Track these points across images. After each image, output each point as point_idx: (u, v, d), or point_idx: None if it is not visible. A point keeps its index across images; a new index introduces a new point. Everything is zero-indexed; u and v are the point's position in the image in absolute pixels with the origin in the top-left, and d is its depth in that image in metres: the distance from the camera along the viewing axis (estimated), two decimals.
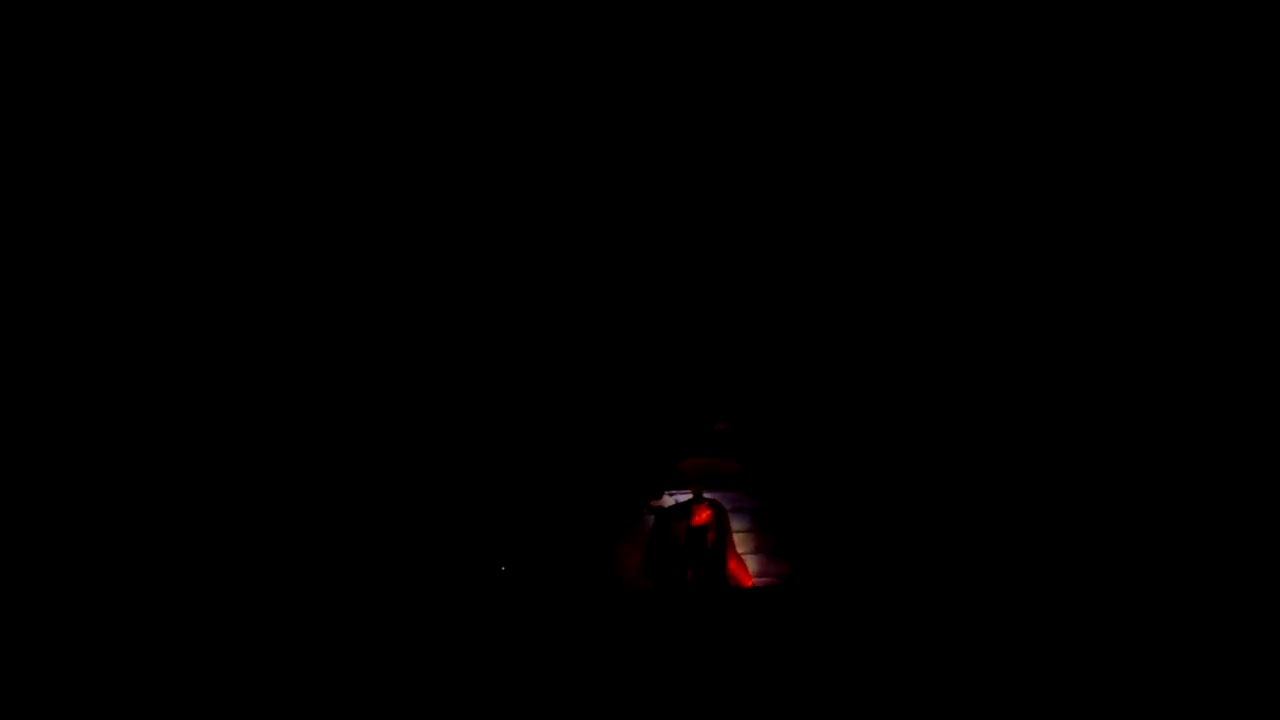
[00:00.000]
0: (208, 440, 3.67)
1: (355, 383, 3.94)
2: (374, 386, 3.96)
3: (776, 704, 3.28)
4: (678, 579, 3.88)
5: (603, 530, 4.06)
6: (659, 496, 4.19)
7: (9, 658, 3.09)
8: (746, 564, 4.03)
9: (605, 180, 4.15)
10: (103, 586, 3.35)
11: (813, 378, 4.36)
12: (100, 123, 3.53)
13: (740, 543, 4.13)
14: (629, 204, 4.24)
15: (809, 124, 4.11)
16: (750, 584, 3.92)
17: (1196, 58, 3.66)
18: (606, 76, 3.86)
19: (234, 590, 3.49)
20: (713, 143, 4.12)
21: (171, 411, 3.66)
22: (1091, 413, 3.84)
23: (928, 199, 4.17)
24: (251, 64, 3.54)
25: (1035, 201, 4.04)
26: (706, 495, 4.12)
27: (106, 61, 3.43)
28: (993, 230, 4.13)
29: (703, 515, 3.97)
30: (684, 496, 4.19)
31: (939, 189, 4.15)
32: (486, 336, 4.15)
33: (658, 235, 4.31)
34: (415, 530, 3.80)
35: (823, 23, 3.87)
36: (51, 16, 3.28)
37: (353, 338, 3.96)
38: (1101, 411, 3.82)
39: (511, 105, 3.88)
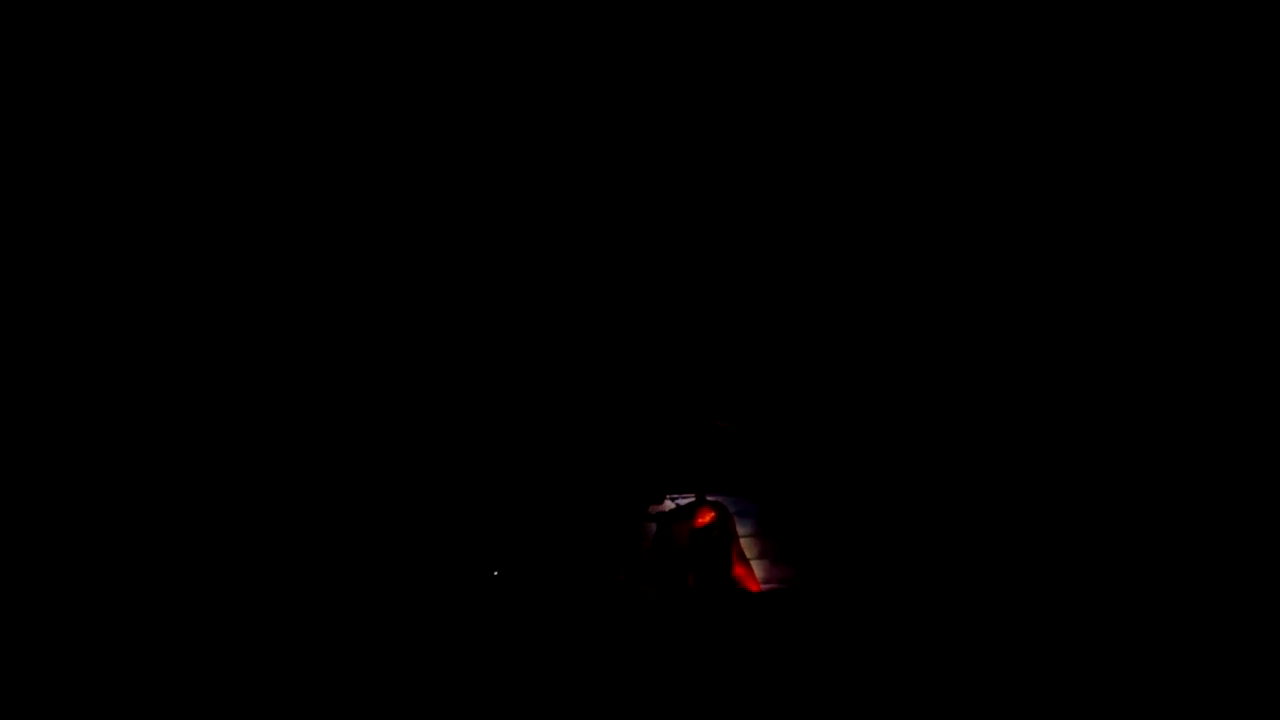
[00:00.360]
0: (196, 442, 3.59)
1: (349, 383, 3.85)
2: (368, 388, 3.87)
3: (784, 714, 3.11)
4: (680, 584, 3.71)
5: (600, 534, 3.90)
6: (659, 500, 4.02)
7: (9, 658, 3.03)
8: (754, 569, 3.85)
9: (605, 180, 4.11)
10: (94, 586, 3.28)
11: (817, 377, 4.25)
12: (101, 123, 3.51)
13: (745, 548, 3.95)
14: (626, 204, 4.18)
15: (813, 124, 4.08)
16: (757, 590, 3.73)
17: (1196, 58, 3.64)
18: (605, 76, 3.84)
19: (223, 594, 3.38)
20: (716, 143, 4.08)
21: (162, 412, 3.58)
22: (1096, 416, 3.74)
23: (928, 199, 4.12)
24: (251, 64, 3.52)
25: (1035, 202, 3.98)
26: (710, 497, 3.94)
27: (107, 61, 3.42)
28: (993, 231, 4.06)
29: (706, 517, 3.80)
30: (685, 500, 4.02)
31: (939, 189, 4.10)
32: (482, 338, 4.06)
33: (657, 236, 4.25)
34: (406, 533, 3.66)
35: (822, 23, 3.86)
36: (51, 16, 3.28)
37: (347, 338, 3.88)
38: (1106, 415, 3.73)
39: (510, 105, 3.85)
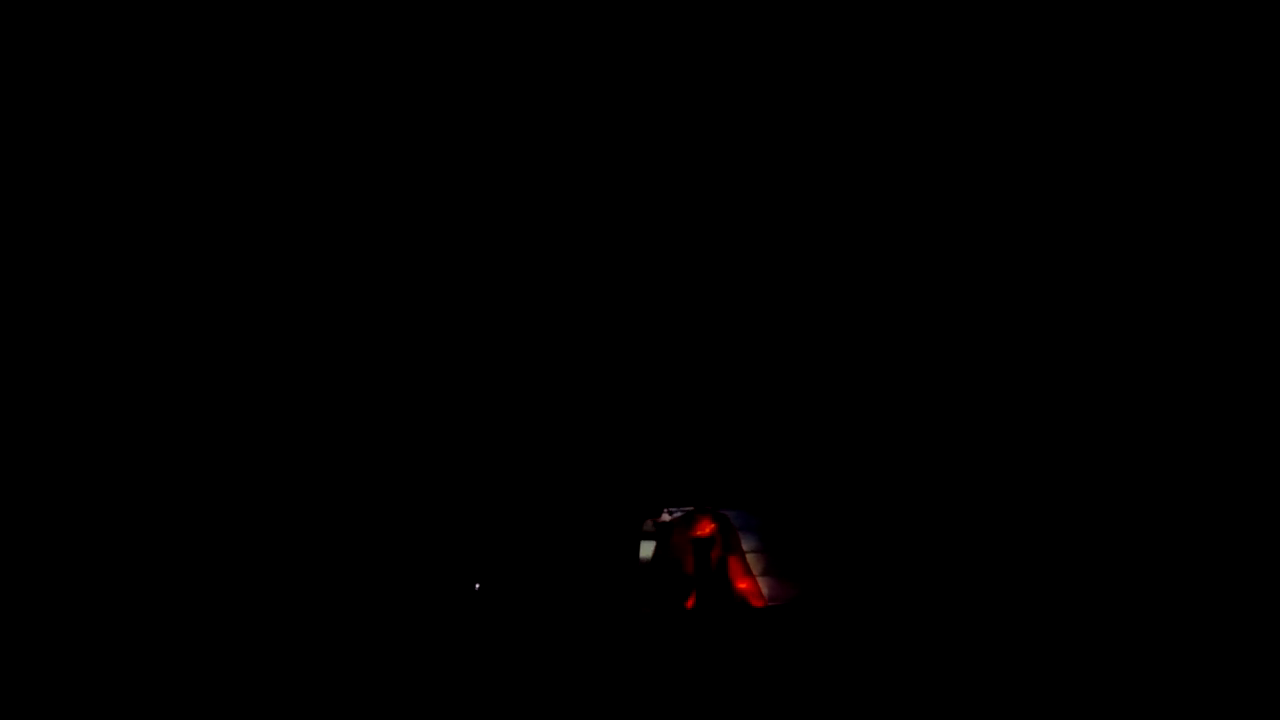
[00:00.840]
0: (177, 447, 3.46)
1: (340, 393, 3.72)
2: (361, 396, 3.73)
3: None
4: (680, 600, 3.46)
5: (592, 548, 3.67)
6: (656, 513, 3.80)
7: (9, 658, 2.95)
8: (759, 585, 3.60)
9: (602, 190, 4.08)
10: (74, 588, 3.22)
11: (819, 388, 4.11)
12: (102, 123, 3.47)
13: (750, 563, 3.71)
14: (626, 213, 4.13)
15: (813, 129, 4.08)
16: (760, 605, 3.48)
17: (1197, 58, 3.60)
18: (607, 80, 3.85)
19: (207, 603, 3.23)
20: (718, 144, 4.06)
21: (142, 420, 3.46)
22: (1102, 423, 3.66)
23: (925, 209, 4.08)
24: (252, 64, 3.53)
25: (1034, 205, 3.90)
26: (709, 508, 3.72)
27: (108, 61, 3.43)
28: (992, 238, 4.00)
29: (705, 528, 3.57)
30: (683, 513, 3.80)
31: (938, 196, 4.07)
32: (477, 346, 3.94)
33: (657, 243, 4.19)
34: (385, 541, 3.46)
35: (822, 24, 3.86)
36: (52, 17, 3.29)
37: (340, 346, 3.76)
38: (1113, 423, 3.65)
39: (514, 111, 3.85)
